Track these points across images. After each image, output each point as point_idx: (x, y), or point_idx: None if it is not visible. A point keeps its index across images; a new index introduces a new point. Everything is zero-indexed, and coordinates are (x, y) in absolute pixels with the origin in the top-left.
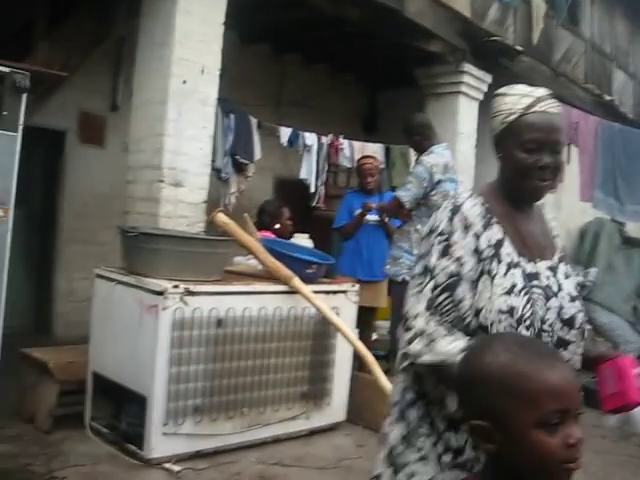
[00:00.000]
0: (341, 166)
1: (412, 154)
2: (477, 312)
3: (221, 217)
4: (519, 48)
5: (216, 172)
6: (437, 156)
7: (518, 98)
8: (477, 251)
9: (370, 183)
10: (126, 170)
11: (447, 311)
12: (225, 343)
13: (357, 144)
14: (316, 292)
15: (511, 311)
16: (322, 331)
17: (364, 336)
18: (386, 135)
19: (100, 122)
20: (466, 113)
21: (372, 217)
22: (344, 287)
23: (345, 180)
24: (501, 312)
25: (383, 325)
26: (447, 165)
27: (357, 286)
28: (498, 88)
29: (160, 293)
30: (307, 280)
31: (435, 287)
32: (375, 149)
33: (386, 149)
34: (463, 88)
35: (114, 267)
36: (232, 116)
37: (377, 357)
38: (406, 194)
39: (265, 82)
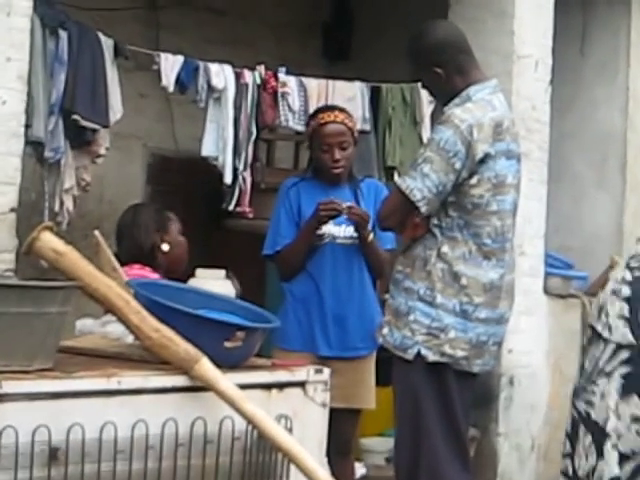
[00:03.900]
0: (282, 129)
1: (425, 103)
2: None
3: (48, 240)
4: None
5: (34, 149)
6: (479, 107)
7: None
8: None
9: (337, 163)
10: None
11: None
12: None
13: (314, 84)
14: (245, 387)
15: None
16: (261, 465)
17: (341, 470)
18: (370, 65)
19: None
20: (533, 16)
21: (341, 231)
22: (301, 375)
23: (291, 156)
24: None
25: (376, 446)
26: (500, 124)
27: (327, 371)
28: None
29: None
30: (226, 363)
31: (623, 460)
32: (349, 93)
33: (371, 93)
34: None
35: None
36: (64, 35)
37: None
38: (419, 185)
39: None
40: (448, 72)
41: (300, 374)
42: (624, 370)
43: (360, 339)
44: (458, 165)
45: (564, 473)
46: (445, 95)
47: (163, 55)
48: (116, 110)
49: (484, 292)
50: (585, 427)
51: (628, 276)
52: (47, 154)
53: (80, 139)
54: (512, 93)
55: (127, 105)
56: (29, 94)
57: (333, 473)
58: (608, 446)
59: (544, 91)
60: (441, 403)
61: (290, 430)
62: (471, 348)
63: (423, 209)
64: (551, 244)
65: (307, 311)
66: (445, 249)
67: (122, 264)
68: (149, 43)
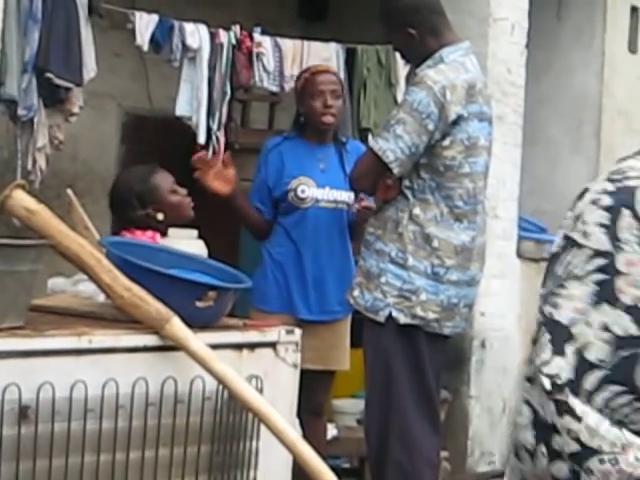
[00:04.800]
0: (257, 89)
1: (401, 65)
2: None
3: (21, 199)
4: None
5: (7, 107)
6: (452, 69)
7: None
8: None
9: (329, 109)
10: None
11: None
12: (37, 454)
13: (289, 44)
14: (216, 347)
15: None
16: (231, 426)
17: (313, 431)
18: (347, 26)
19: None
20: None
21: (324, 194)
22: (272, 335)
23: (266, 117)
24: None
25: (348, 407)
26: (473, 86)
27: (298, 332)
28: None
29: None
30: (198, 323)
31: (587, 371)
32: (325, 54)
33: (347, 54)
34: None
35: None
36: None
37: (337, 471)
38: (391, 146)
39: None
40: (421, 33)
41: (271, 335)
42: (599, 277)
43: (338, 302)
44: (431, 126)
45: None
46: (417, 56)
47: (138, 14)
48: (90, 69)
49: (455, 254)
50: (546, 328)
51: (610, 187)
52: (20, 112)
53: (53, 97)
54: (487, 56)
55: (102, 64)
56: (2, 52)
57: (305, 434)
58: (572, 348)
59: (520, 54)
60: (412, 365)
61: (261, 390)
62: (442, 310)
63: (395, 170)
64: (525, 208)
65: (286, 273)
66: (417, 211)
67: (122, 228)
68: (124, 2)
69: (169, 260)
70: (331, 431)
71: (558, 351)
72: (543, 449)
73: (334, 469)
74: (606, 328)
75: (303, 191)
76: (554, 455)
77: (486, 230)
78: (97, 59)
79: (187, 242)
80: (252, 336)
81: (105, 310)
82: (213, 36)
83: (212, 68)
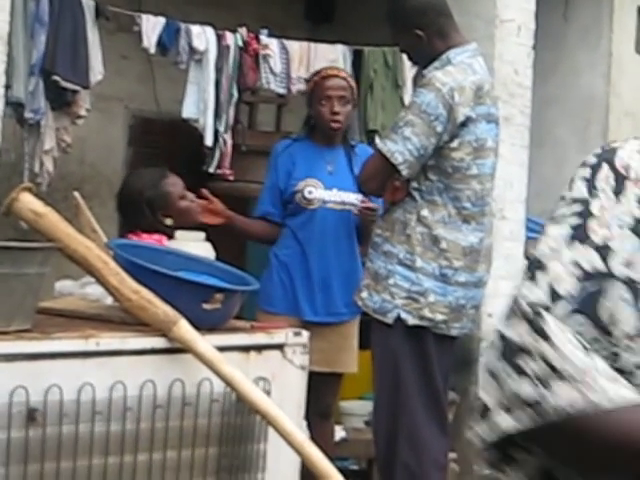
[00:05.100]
0: (264, 91)
1: (407, 66)
2: None
3: (28, 202)
4: None
5: (14, 110)
6: (460, 70)
7: None
8: None
9: (336, 116)
10: None
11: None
12: (45, 457)
13: (295, 46)
14: (223, 349)
15: None
16: (239, 428)
17: (320, 433)
18: (353, 28)
19: None
20: None
21: (332, 196)
22: (279, 337)
23: (273, 119)
24: None
25: (356, 409)
26: (481, 88)
27: (305, 334)
28: None
29: None
30: (205, 325)
31: (556, 299)
32: (331, 56)
33: (354, 56)
34: None
35: None
36: None
37: (345, 473)
38: (400, 148)
39: None
40: (429, 35)
41: (279, 337)
42: (574, 220)
43: (344, 305)
44: (439, 128)
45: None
46: (425, 58)
47: (144, 16)
48: (97, 71)
49: (463, 256)
50: (528, 266)
51: (597, 150)
52: (27, 115)
53: (60, 100)
54: (494, 57)
55: (109, 67)
56: (9, 55)
57: (313, 436)
58: (546, 279)
59: (526, 55)
60: (420, 367)
61: (268, 393)
62: (450, 312)
63: (404, 172)
64: (533, 209)
65: (292, 275)
66: (425, 213)
67: (130, 232)
68: (131, 4)
69: (176, 262)
70: (339, 433)
71: (534, 281)
72: (509, 370)
73: (342, 471)
74: (576, 264)
75: (310, 192)
76: (523, 375)
77: (492, 231)
78: (104, 62)
79: (194, 244)
80: (259, 338)
81: (112, 313)
82: (220, 38)
83: (219, 70)
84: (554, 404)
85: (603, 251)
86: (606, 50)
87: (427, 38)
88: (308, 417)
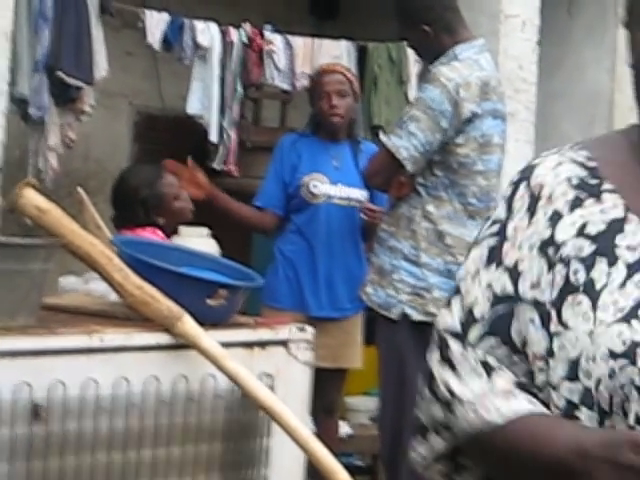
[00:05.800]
0: (269, 87)
1: (412, 62)
2: (570, 365)
3: (31, 198)
4: None
5: (19, 106)
6: (466, 66)
7: None
8: (554, 245)
9: (335, 109)
10: None
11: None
12: (48, 453)
13: (300, 42)
14: (227, 345)
15: (633, 353)
16: (243, 424)
17: (325, 428)
18: (358, 24)
19: None
20: None
21: (337, 191)
22: (283, 333)
23: (278, 115)
24: (613, 356)
25: (361, 405)
26: (487, 83)
27: (310, 330)
28: None
29: None
30: (209, 321)
31: (471, 324)
32: (336, 52)
33: (358, 52)
34: None
35: None
36: None
37: (350, 469)
38: (405, 143)
39: None
40: (436, 30)
41: (283, 332)
42: (491, 241)
43: (349, 300)
44: (445, 124)
45: None
46: (432, 53)
47: (148, 13)
48: (101, 67)
49: (468, 252)
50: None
51: (523, 168)
52: (31, 111)
53: (64, 96)
54: (499, 53)
55: (113, 63)
56: (13, 51)
57: (317, 432)
58: (461, 304)
59: (531, 51)
60: (425, 362)
61: (273, 389)
62: None
63: (409, 168)
64: None
65: (297, 270)
66: (430, 208)
67: (122, 227)
68: (135, 0)
69: (180, 258)
70: (344, 428)
71: (448, 308)
72: (429, 395)
73: (347, 467)
74: (489, 286)
75: (315, 186)
76: (437, 401)
77: None
78: (109, 58)
79: (198, 240)
80: (264, 334)
81: (116, 308)
82: (224, 34)
83: (223, 66)
84: (458, 427)
85: (514, 273)
86: (611, 45)
87: (434, 33)
88: (313, 413)
